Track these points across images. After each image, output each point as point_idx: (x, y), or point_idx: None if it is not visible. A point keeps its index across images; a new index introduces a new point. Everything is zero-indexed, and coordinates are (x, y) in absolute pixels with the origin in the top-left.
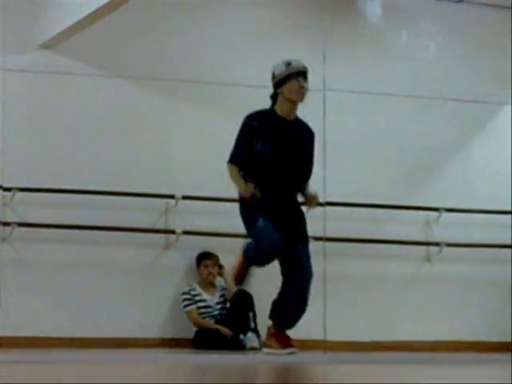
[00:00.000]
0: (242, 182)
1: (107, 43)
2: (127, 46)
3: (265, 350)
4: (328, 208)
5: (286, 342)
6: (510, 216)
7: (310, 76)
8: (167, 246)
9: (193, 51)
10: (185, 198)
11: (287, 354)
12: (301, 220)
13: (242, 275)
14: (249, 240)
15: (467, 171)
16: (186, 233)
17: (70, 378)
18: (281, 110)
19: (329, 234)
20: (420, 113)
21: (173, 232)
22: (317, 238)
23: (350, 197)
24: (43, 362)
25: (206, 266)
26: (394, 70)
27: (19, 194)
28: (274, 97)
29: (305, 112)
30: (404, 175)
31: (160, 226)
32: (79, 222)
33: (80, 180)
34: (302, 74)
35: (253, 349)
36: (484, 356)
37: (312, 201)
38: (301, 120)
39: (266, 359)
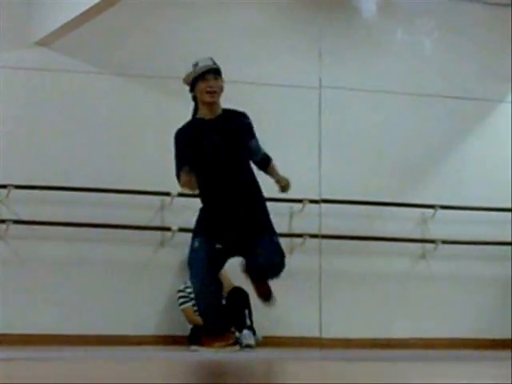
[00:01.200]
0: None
1: (103, 41)
2: (123, 44)
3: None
4: (323, 205)
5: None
6: (506, 213)
7: (305, 73)
8: (163, 243)
9: (188, 48)
10: (180, 195)
11: None
12: (260, 213)
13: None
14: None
15: (463, 168)
16: (181, 230)
17: (65, 376)
18: (201, 113)
19: (324, 231)
20: (416, 110)
21: (168, 229)
22: (312, 235)
23: (346, 194)
24: (38, 360)
25: None
26: (389, 67)
27: (14, 192)
28: (194, 100)
29: (300, 109)
30: (399, 172)
31: (156, 223)
32: (74, 219)
33: (75, 177)
34: (210, 72)
35: (248, 346)
36: (480, 353)
37: (283, 184)
38: (227, 111)
39: (262, 356)
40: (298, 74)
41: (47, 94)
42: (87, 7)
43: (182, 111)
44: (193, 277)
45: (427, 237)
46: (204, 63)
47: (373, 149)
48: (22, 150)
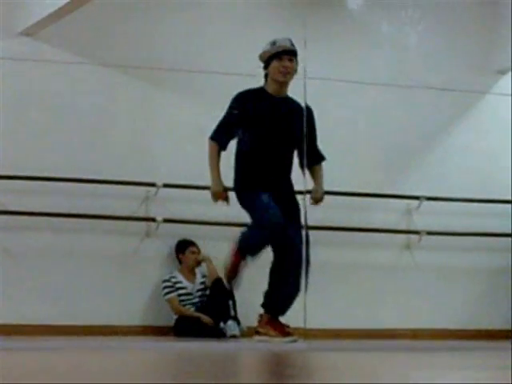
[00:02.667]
0: (216, 174)
1: (88, 31)
2: (108, 34)
3: (257, 337)
4: (309, 196)
5: (283, 330)
6: (490, 205)
7: None
8: (148, 234)
9: (174, 39)
10: (166, 185)
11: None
12: (294, 204)
13: (235, 270)
14: (243, 230)
15: (448, 160)
16: (166, 221)
17: (51, 366)
18: (269, 89)
19: (310, 223)
20: (401, 101)
21: (153, 220)
22: None
23: (331, 185)
24: (25, 350)
25: (193, 253)
26: (374, 58)
27: None
28: (265, 76)
29: None
30: (385, 164)
31: (141, 213)
32: (60, 209)
33: (61, 168)
34: (286, 53)
35: (233, 336)
36: (464, 343)
37: (318, 195)
38: (292, 98)
39: (245, 347)
40: None
41: (31, 84)
42: None
43: (167, 101)
44: (263, 217)
45: (412, 228)
46: (281, 43)
47: (358, 140)
48: (6, 140)
